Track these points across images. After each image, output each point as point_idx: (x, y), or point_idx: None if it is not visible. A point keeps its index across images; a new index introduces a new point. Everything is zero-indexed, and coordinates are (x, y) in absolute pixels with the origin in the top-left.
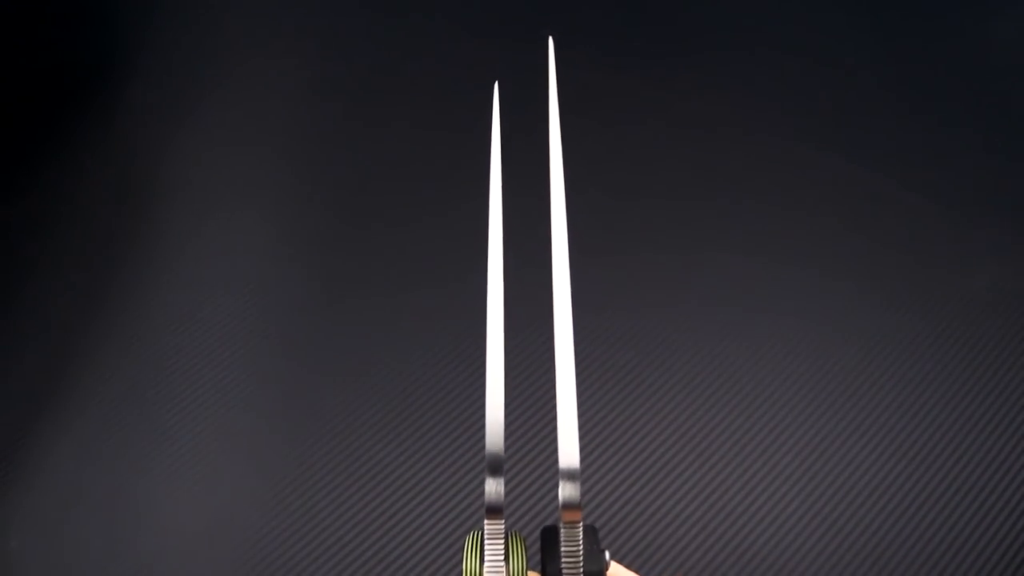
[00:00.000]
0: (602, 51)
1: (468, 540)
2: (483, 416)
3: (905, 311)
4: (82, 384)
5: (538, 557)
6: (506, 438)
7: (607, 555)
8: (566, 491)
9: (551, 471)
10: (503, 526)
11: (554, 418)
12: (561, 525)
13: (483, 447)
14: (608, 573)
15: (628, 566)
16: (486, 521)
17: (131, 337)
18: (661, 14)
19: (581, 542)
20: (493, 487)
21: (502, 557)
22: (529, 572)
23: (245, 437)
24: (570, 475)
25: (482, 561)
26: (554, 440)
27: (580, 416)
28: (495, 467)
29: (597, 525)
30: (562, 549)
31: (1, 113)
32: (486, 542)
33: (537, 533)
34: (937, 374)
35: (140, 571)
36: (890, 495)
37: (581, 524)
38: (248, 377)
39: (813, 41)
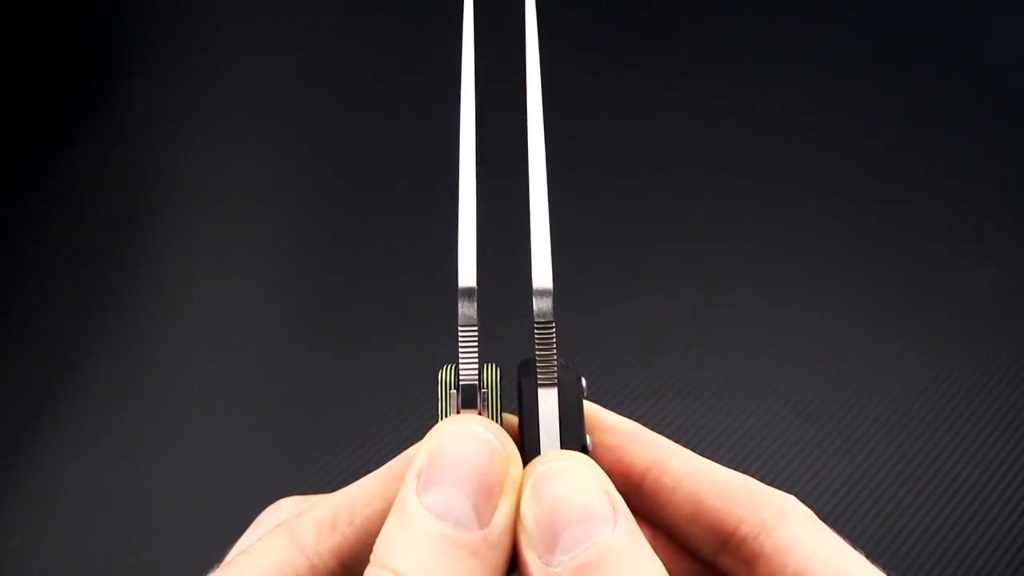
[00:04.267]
0: (599, 49)
1: (441, 371)
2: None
3: (905, 311)
4: (82, 383)
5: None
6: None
7: (583, 381)
8: (538, 306)
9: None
10: (477, 333)
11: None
12: (535, 330)
13: None
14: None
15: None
16: (460, 325)
17: (131, 336)
18: (661, 11)
19: (555, 344)
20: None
21: (476, 357)
22: (505, 414)
23: (246, 436)
24: (543, 293)
25: (457, 380)
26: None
27: None
28: (468, 294)
29: None
30: (536, 352)
31: (0, 112)
32: (459, 343)
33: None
34: (937, 374)
35: (140, 571)
36: (890, 495)
37: (555, 331)
38: (249, 376)
39: (813, 40)
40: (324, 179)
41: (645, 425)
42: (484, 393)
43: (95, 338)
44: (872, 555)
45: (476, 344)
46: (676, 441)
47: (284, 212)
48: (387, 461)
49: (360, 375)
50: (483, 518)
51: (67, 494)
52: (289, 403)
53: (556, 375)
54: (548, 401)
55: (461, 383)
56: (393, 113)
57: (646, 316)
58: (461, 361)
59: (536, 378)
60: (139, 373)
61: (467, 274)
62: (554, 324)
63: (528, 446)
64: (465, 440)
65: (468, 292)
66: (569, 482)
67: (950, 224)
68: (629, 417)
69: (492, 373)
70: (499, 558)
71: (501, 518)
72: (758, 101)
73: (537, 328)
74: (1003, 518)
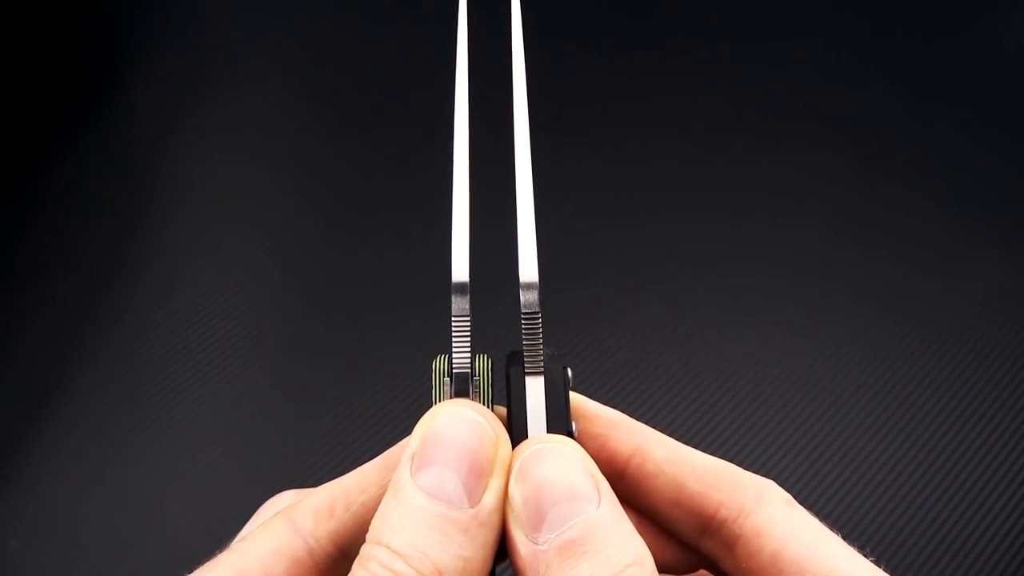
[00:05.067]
0: (591, 47)
1: (435, 361)
2: None
3: (904, 310)
4: (82, 384)
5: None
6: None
7: (569, 371)
8: (525, 298)
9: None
10: (469, 325)
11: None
12: (522, 322)
13: None
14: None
15: None
16: (454, 317)
17: (131, 337)
18: (656, 7)
19: (541, 334)
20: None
21: (469, 348)
22: (496, 406)
23: (246, 437)
24: (529, 286)
25: (451, 369)
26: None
27: None
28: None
29: None
30: (523, 342)
31: (1, 113)
32: (453, 334)
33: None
34: (937, 374)
35: (140, 571)
36: (890, 495)
37: (541, 322)
38: (250, 377)
39: (812, 40)
40: (329, 185)
41: (638, 418)
42: (476, 381)
43: (96, 339)
44: (873, 554)
45: (469, 335)
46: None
47: (288, 212)
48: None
49: (362, 376)
50: (474, 497)
51: (67, 494)
52: (290, 404)
53: (543, 364)
54: (535, 389)
55: (454, 372)
56: (395, 113)
57: (639, 307)
58: (455, 351)
59: (523, 367)
60: (140, 374)
61: (460, 269)
62: (540, 315)
63: (516, 432)
64: (457, 422)
65: (461, 287)
66: (555, 463)
67: (950, 222)
68: (620, 409)
69: (484, 363)
70: (489, 535)
71: (491, 497)
72: (754, 99)
73: (524, 319)
74: (1003, 518)
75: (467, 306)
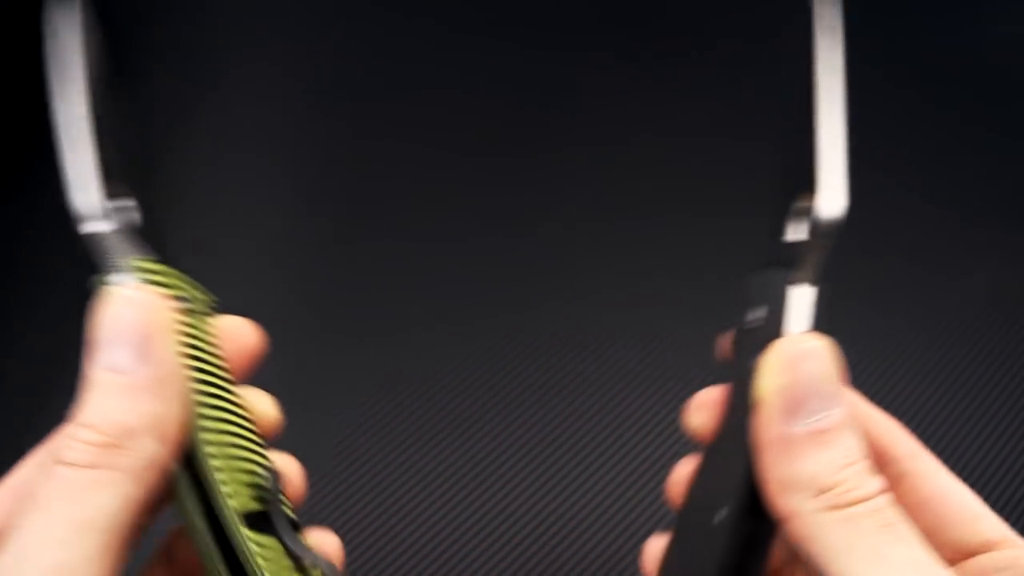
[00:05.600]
0: (591, 48)
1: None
2: (486, 415)
3: (904, 311)
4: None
5: None
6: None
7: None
8: (828, 218)
9: None
10: (118, 231)
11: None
12: (818, 239)
13: (476, 447)
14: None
15: (626, 555)
16: (96, 234)
17: None
18: (656, 7)
19: (826, 255)
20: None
21: (130, 260)
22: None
23: None
24: (831, 218)
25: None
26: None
27: (576, 421)
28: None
29: (610, 514)
30: (807, 255)
31: (1, 112)
32: (105, 246)
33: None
34: (937, 374)
35: (139, 570)
36: None
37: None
38: (250, 378)
39: (810, 39)
40: (331, 184)
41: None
42: (135, 274)
43: None
44: None
45: (124, 243)
46: (677, 440)
47: (289, 212)
48: (389, 470)
49: (362, 376)
50: (148, 361)
51: None
52: (290, 404)
53: (819, 279)
54: (807, 296)
55: (113, 272)
56: (397, 113)
57: (642, 317)
58: (112, 261)
59: (800, 275)
60: None
61: (80, 195)
62: (831, 241)
63: (780, 328)
64: (117, 303)
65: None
66: (819, 363)
67: (950, 222)
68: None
69: (143, 262)
70: (171, 390)
71: (162, 358)
72: (753, 99)
73: (822, 238)
74: (1003, 518)
75: (104, 224)
